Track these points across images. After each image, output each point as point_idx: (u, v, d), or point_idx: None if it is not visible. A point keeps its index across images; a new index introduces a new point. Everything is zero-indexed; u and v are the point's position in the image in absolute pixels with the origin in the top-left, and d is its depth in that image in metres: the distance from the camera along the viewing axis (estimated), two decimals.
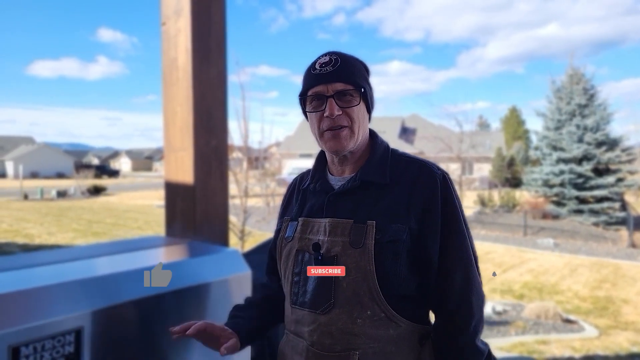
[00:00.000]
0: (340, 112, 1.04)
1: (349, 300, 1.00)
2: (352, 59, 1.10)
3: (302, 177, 1.26)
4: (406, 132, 36.03)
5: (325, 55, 1.09)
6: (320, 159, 1.21)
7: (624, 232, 12.92)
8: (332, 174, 1.17)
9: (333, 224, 1.05)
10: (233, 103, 8.89)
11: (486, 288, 7.33)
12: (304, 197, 1.18)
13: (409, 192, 1.05)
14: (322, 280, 1.02)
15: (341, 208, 1.07)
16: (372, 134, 1.17)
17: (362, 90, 1.07)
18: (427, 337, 1.07)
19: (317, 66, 1.07)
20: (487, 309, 5.81)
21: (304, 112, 1.13)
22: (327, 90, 1.05)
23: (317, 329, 1.03)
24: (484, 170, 31.98)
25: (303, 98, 1.11)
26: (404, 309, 1.02)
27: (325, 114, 1.04)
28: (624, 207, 15.05)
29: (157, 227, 13.67)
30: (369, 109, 1.12)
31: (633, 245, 11.57)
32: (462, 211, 1.10)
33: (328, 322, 1.01)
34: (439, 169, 1.09)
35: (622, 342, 5.06)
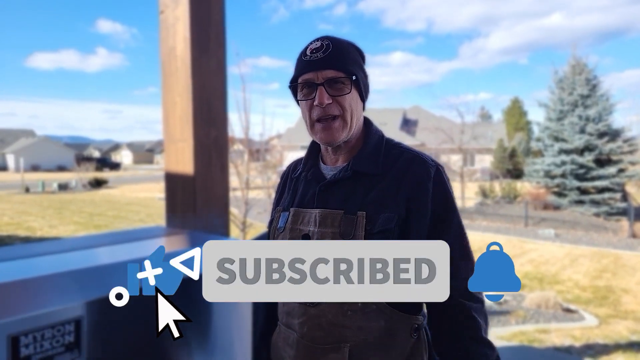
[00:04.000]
0: (331, 101, 1.00)
1: None
2: (345, 44, 1.05)
3: (294, 165, 1.23)
4: (408, 124, 35.91)
5: (317, 40, 1.04)
6: (313, 146, 1.18)
7: (624, 223, 12.91)
8: (325, 163, 1.14)
9: (323, 214, 1.03)
10: (234, 95, 8.85)
11: None
12: (296, 186, 1.16)
13: (398, 181, 1.02)
14: None
15: (332, 198, 1.05)
16: (367, 123, 1.13)
17: (354, 77, 1.02)
18: (419, 329, 1.05)
19: (307, 52, 1.03)
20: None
21: (296, 100, 1.10)
22: (317, 77, 1.00)
23: (307, 321, 1.02)
24: (485, 161, 31.92)
25: (294, 85, 1.07)
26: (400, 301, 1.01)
27: (315, 103, 1.01)
28: (625, 197, 15.03)
29: (159, 219, 13.69)
30: (363, 97, 1.08)
31: (633, 235, 11.58)
32: (455, 203, 1.07)
33: (318, 315, 1.00)
34: (432, 160, 1.06)
35: (622, 330, 5.08)
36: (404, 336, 1.02)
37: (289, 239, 1.07)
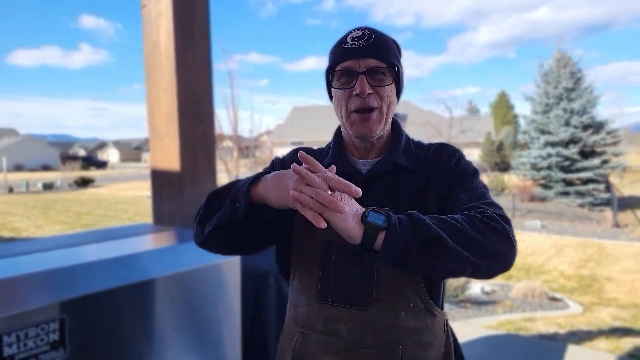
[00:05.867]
0: (371, 91, 0.96)
1: (393, 294, 0.94)
2: (385, 36, 1.03)
3: (292, 159, 1.09)
4: (397, 118, 35.95)
5: (357, 29, 1.02)
6: (338, 137, 1.11)
7: (608, 213, 13.18)
8: (352, 156, 1.08)
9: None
10: (222, 91, 8.80)
11: None
12: None
13: (432, 172, 1.01)
14: (362, 274, 0.95)
15: (375, 194, 0.99)
16: (394, 120, 1.10)
17: (396, 69, 0.99)
18: (447, 324, 1.04)
19: (348, 40, 0.99)
20: (476, 290, 5.91)
21: (329, 89, 1.05)
22: (359, 66, 0.97)
23: (358, 325, 0.95)
24: (473, 155, 32.16)
25: (330, 73, 1.01)
26: (437, 296, 0.99)
27: (355, 92, 0.96)
28: (608, 188, 15.31)
29: (149, 218, 13.55)
30: (399, 91, 1.05)
31: (617, 225, 11.81)
32: (475, 174, 1.04)
33: (370, 318, 0.95)
34: (456, 148, 1.07)
35: (605, 317, 5.20)
36: (441, 333, 1.01)
37: (326, 238, 0.97)
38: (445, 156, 1.03)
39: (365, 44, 0.97)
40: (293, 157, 1.12)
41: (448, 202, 0.97)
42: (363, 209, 0.85)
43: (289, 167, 1.01)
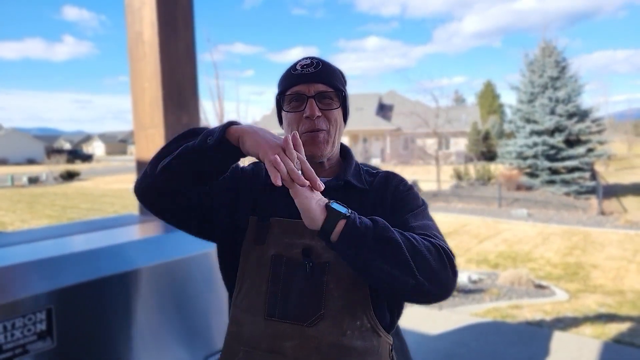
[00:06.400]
0: (320, 114, 1.02)
1: (341, 311, 0.95)
2: (332, 65, 1.11)
3: (253, 171, 1.12)
4: (383, 109, 36.05)
5: (306, 58, 1.09)
6: None
7: (593, 201, 13.41)
8: None
9: None
10: (207, 82, 8.70)
11: (463, 259, 7.54)
12: (272, 194, 1.05)
13: (381, 193, 1.06)
14: (311, 289, 0.95)
15: None
16: (345, 147, 1.16)
17: (343, 94, 1.06)
18: (393, 349, 1.06)
19: (298, 67, 1.06)
20: (463, 279, 5.99)
21: (279, 114, 1.10)
22: (309, 90, 1.03)
23: (304, 343, 0.94)
24: (460, 144, 32.45)
25: (281, 98, 1.07)
26: (383, 317, 1.00)
27: (305, 115, 1.02)
28: (593, 176, 15.58)
29: (135, 211, 13.44)
30: (346, 116, 1.11)
31: (602, 213, 12.04)
32: (424, 206, 1.08)
33: (316, 335, 0.94)
34: (403, 178, 1.13)
35: (591, 304, 5.31)
36: (386, 356, 1.03)
37: (274, 253, 0.99)
38: (395, 182, 1.08)
39: (314, 70, 1.04)
40: (253, 168, 1.14)
41: (396, 225, 0.96)
42: (327, 200, 0.88)
43: (249, 176, 1.11)
